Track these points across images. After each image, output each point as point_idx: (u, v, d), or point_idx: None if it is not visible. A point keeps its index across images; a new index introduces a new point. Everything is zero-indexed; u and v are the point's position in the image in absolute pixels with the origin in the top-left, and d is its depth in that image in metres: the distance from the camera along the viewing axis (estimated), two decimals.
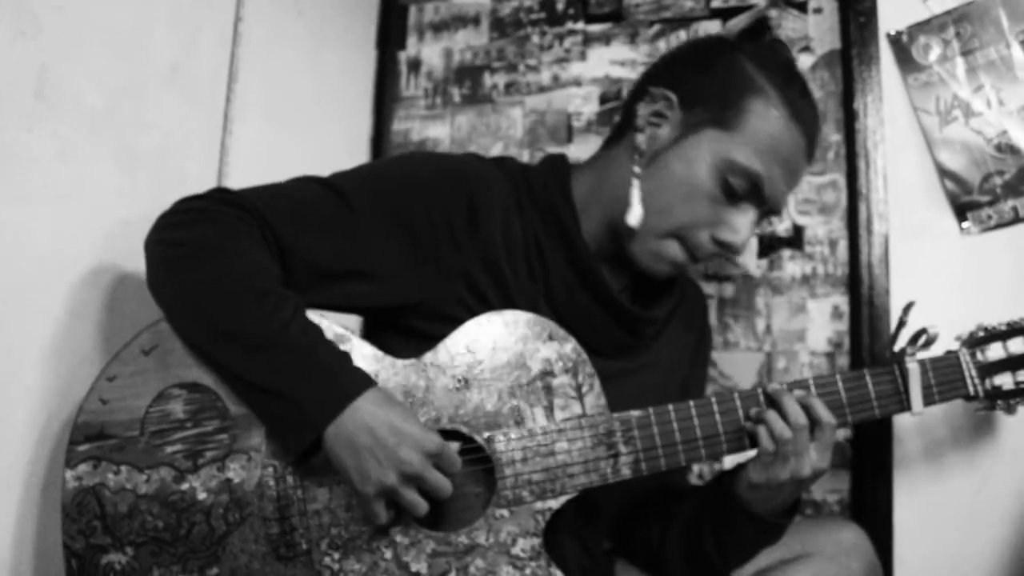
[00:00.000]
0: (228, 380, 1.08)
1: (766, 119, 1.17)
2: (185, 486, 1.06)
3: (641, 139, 1.21)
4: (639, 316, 1.27)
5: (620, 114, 1.33)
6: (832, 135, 1.75)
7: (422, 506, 1.04)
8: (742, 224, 1.20)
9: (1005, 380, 1.30)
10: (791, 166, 1.20)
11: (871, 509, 1.61)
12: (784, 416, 1.14)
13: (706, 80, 1.20)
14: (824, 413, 1.14)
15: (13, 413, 1.13)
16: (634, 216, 1.19)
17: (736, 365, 1.75)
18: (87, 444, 1.06)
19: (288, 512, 1.07)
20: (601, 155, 1.31)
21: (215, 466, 1.07)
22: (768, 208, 1.22)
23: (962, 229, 1.62)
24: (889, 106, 1.69)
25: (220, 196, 1.13)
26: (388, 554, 1.08)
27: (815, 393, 1.19)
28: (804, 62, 1.78)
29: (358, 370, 1.06)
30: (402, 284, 1.16)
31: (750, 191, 1.18)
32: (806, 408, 1.14)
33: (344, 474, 1.03)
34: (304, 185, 1.18)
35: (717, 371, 1.75)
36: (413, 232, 1.14)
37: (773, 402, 1.16)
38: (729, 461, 1.25)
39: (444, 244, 1.16)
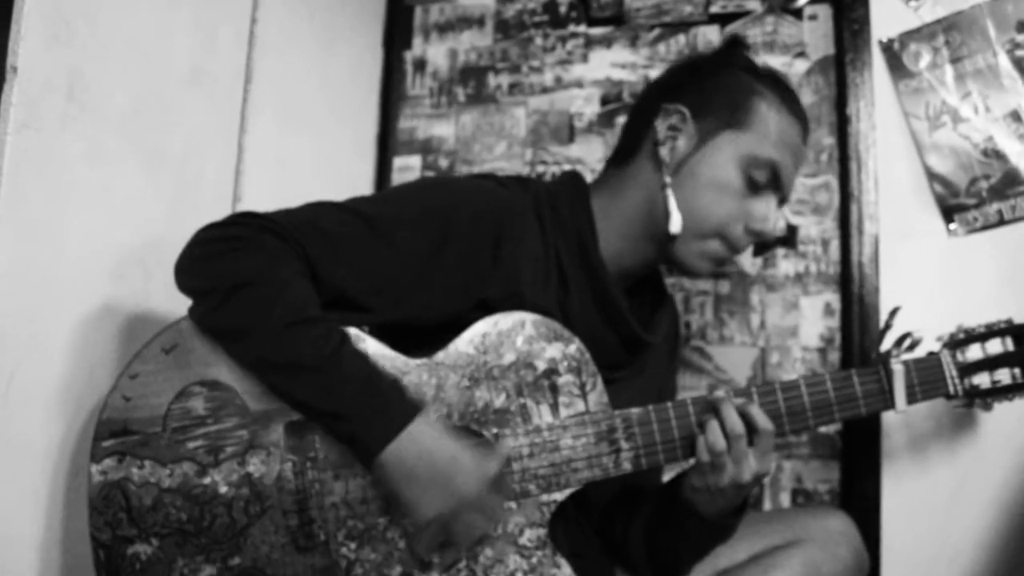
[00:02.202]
0: (288, 403, 1.11)
1: (772, 115, 1.27)
2: (207, 480, 1.09)
3: (664, 152, 1.28)
4: (646, 341, 1.33)
5: (624, 135, 1.38)
6: (825, 138, 1.80)
7: (474, 534, 1.11)
8: (769, 211, 1.28)
9: (983, 380, 1.34)
10: (797, 154, 1.30)
11: (860, 498, 1.67)
12: (721, 425, 1.17)
13: (711, 90, 1.29)
14: (762, 421, 1.17)
15: (42, 407, 1.17)
16: (675, 224, 1.26)
17: (731, 359, 1.80)
18: (111, 440, 1.08)
19: (307, 505, 1.11)
20: (613, 175, 1.35)
21: (235, 461, 1.10)
22: (782, 194, 1.31)
23: (949, 231, 1.68)
24: (881, 111, 1.73)
25: (254, 222, 1.13)
26: (402, 544, 1.12)
27: (806, 392, 1.24)
28: (799, 67, 1.83)
29: (409, 396, 1.10)
30: (425, 310, 1.18)
31: (770, 180, 1.27)
32: (745, 416, 1.17)
33: (397, 501, 1.08)
34: (333, 213, 1.18)
35: (713, 365, 1.80)
36: (443, 266, 1.17)
37: (715, 410, 1.19)
38: None
39: (469, 275, 1.18)
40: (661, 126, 1.29)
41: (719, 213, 1.26)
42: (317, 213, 1.17)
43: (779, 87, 1.30)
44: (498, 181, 1.30)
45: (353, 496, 1.12)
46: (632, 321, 1.30)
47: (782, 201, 1.32)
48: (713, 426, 1.17)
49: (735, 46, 1.37)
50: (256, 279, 1.08)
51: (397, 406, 1.07)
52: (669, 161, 1.27)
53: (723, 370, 1.80)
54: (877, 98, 1.74)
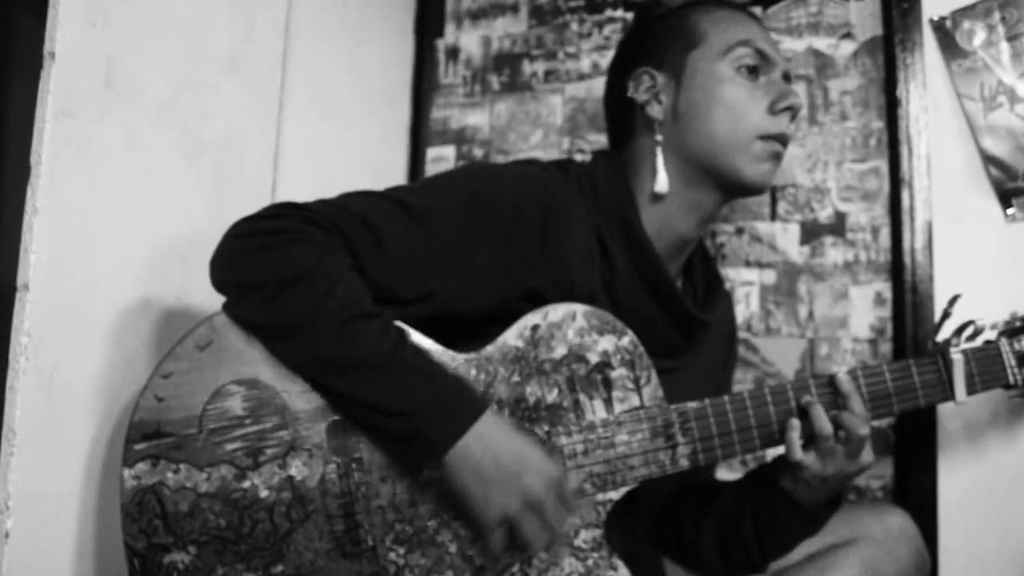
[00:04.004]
0: (342, 404, 1.06)
1: (712, 15, 1.29)
2: (246, 484, 1.05)
3: (654, 111, 1.28)
4: (698, 319, 1.29)
5: (613, 123, 1.40)
6: (874, 122, 1.74)
7: (542, 539, 1.05)
8: (779, 85, 1.27)
9: None
10: (757, 26, 1.30)
11: (915, 495, 1.61)
12: (811, 426, 1.18)
13: (655, 42, 1.31)
14: (858, 422, 1.18)
15: (83, 403, 1.14)
16: (661, 183, 1.26)
17: (778, 351, 1.75)
18: (144, 443, 1.03)
19: (353, 508, 1.06)
20: (626, 155, 1.34)
21: (276, 463, 1.05)
22: (783, 68, 1.29)
23: (1007, 216, 1.61)
24: (932, 93, 1.67)
25: (295, 213, 1.09)
26: (453, 548, 1.08)
27: (864, 384, 1.22)
28: (845, 49, 1.77)
29: (475, 391, 1.07)
30: (470, 300, 1.14)
31: (759, 58, 1.26)
32: (835, 420, 1.18)
33: (464, 499, 1.03)
34: (375, 202, 1.13)
35: (759, 357, 1.75)
36: (488, 254, 1.13)
37: (804, 414, 1.19)
38: (772, 452, 1.27)
39: (516, 262, 1.15)
40: (638, 94, 1.30)
41: (741, 117, 1.24)
42: (358, 202, 1.13)
43: (696, 2, 1.35)
44: (541, 166, 1.27)
45: (401, 499, 1.08)
46: (681, 295, 1.27)
47: (786, 76, 1.31)
48: (819, 411, 1.17)
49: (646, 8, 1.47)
50: (306, 273, 1.03)
51: (465, 402, 1.03)
52: (663, 117, 1.28)
53: (770, 362, 1.75)
54: (928, 79, 1.67)
